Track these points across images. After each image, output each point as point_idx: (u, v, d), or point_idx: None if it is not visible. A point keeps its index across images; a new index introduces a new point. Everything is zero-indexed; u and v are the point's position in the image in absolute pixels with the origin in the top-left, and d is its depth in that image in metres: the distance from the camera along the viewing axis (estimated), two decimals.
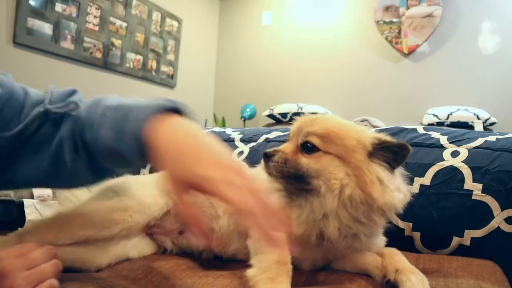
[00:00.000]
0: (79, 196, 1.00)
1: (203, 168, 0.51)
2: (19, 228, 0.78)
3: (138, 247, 0.87)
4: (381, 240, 0.83)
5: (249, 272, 0.65)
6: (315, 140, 0.73)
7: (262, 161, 0.76)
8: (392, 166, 0.73)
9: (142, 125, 0.56)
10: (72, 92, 0.74)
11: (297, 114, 3.99)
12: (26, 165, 0.69)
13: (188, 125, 0.59)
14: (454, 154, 1.03)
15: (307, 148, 0.74)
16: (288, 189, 0.76)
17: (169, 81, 4.41)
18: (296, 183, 0.74)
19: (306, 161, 0.73)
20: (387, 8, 4.15)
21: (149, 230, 0.90)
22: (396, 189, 0.73)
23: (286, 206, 0.76)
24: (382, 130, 1.20)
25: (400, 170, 0.78)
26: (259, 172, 0.80)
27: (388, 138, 0.75)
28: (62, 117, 0.68)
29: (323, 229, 0.73)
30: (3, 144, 0.66)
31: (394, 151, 0.72)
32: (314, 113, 0.97)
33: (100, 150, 0.63)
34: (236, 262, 0.85)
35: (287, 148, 0.76)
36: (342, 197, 0.70)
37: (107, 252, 0.80)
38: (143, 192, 0.87)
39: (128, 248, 0.84)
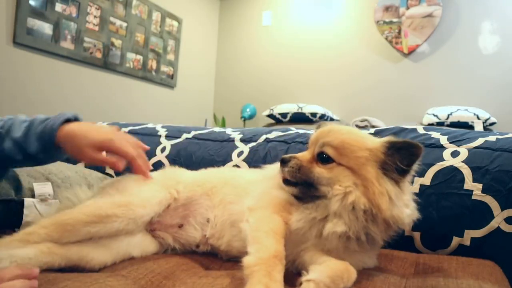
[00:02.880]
0: (79, 195, 1.01)
1: (105, 134, 0.90)
2: (16, 229, 0.78)
3: (141, 245, 0.88)
4: (372, 262, 0.83)
5: (247, 260, 0.66)
6: (330, 151, 0.77)
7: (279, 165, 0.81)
8: (404, 169, 0.74)
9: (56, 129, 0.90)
10: None
11: (297, 114, 4.00)
12: None
13: (83, 122, 0.96)
14: (454, 154, 1.03)
15: (323, 158, 0.78)
16: (299, 194, 0.79)
17: (169, 81, 4.42)
18: (306, 189, 0.78)
19: (319, 171, 0.77)
20: (387, 8, 4.15)
21: (151, 227, 0.92)
22: (404, 205, 0.75)
23: (295, 206, 0.79)
24: (382, 130, 1.21)
25: (409, 188, 0.79)
26: (274, 167, 0.88)
27: (393, 139, 0.76)
28: None
29: (319, 229, 0.75)
30: None
31: (402, 150, 0.74)
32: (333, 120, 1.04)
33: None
34: (235, 262, 0.85)
35: (303, 156, 0.80)
36: (345, 202, 0.72)
37: (110, 250, 0.81)
38: (143, 188, 0.91)
39: (132, 246, 0.85)
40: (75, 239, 0.77)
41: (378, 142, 0.77)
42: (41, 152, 0.92)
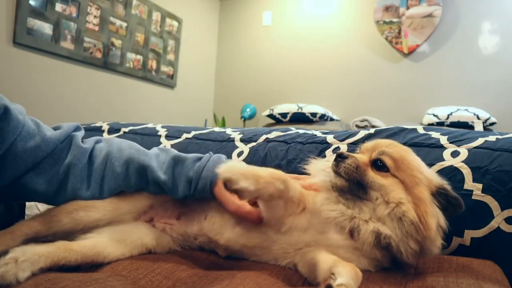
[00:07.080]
0: None
1: None
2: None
3: (149, 233, 0.90)
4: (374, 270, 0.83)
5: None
6: (388, 161, 0.78)
7: (332, 159, 0.82)
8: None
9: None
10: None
11: (297, 114, 4.01)
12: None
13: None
14: (454, 154, 1.02)
15: (378, 165, 0.79)
16: (346, 188, 0.79)
17: (169, 81, 4.42)
18: (355, 189, 0.78)
19: (373, 175, 0.78)
20: (387, 8, 4.16)
21: (149, 217, 0.94)
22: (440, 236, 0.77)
23: (334, 199, 0.80)
24: (382, 130, 1.20)
25: None
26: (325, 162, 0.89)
27: (449, 188, 0.80)
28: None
29: (359, 226, 0.75)
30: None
31: (450, 202, 0.77)
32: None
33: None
34: (236, 262, 0.85)
35: (360, 158, 0.81)
36: (396, 210, 0.74)
37: (125, 242, 0.84)
38: None
39: (144, 235, 0.88)
40: (61, 228, 0.81)
41: (435, 177, 0.80)
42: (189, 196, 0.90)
